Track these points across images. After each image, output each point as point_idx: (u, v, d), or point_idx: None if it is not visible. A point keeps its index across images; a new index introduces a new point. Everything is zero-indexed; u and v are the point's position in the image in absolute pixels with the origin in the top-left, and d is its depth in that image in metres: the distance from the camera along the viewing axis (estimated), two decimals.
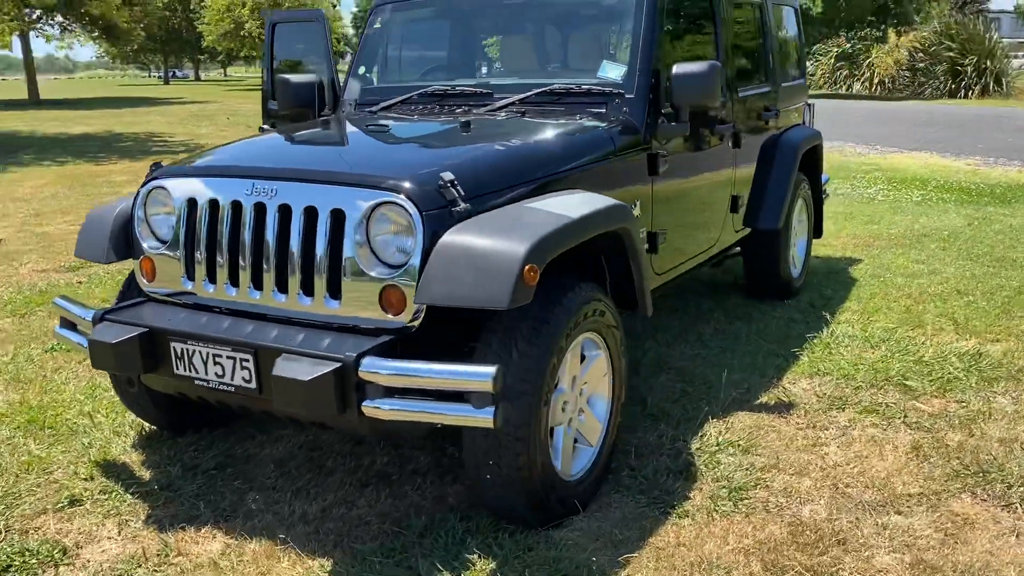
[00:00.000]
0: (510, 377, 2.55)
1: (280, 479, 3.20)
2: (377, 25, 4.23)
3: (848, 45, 35.79)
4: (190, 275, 2.97)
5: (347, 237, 2.64)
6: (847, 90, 35.61)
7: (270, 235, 2.77)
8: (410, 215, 2.56)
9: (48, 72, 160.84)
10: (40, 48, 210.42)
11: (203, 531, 2.87)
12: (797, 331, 4.67)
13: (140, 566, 2.69)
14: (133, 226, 3.13)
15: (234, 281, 2.86)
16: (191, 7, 53.66)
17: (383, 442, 3.40)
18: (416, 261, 2.54)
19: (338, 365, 2.46)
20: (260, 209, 2.79)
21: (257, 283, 2.82)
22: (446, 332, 2.78)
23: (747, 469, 3.19)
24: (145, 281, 3.12)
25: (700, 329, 4.79)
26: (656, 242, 3.62)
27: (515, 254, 2.43)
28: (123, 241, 3.17)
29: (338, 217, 2.66)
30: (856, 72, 35.71)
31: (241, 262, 2.83)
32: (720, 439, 3.42)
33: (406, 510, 2.96)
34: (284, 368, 2.50)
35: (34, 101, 33.66)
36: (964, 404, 3.74)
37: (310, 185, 2.73)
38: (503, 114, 3.56)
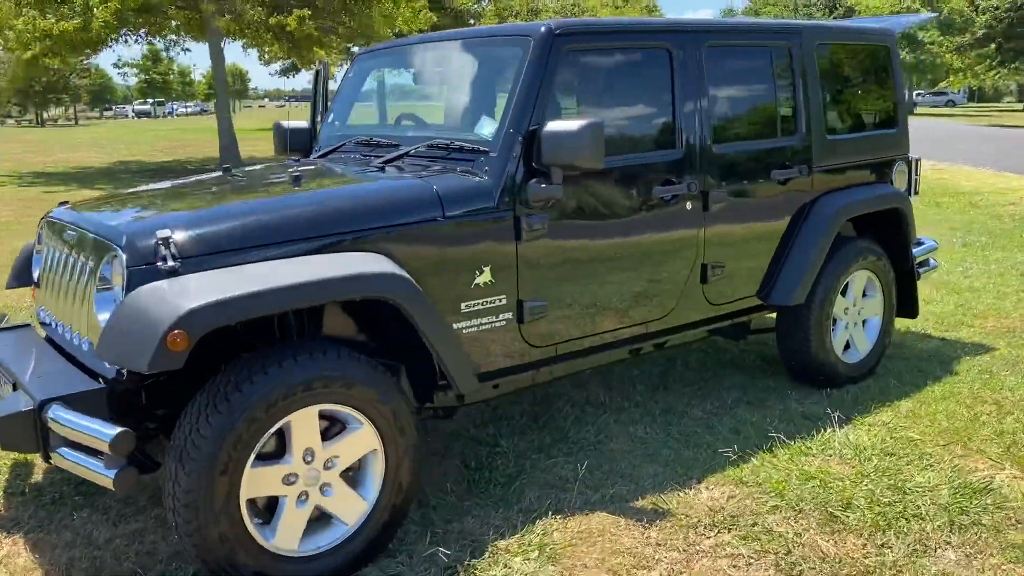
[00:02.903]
0: (189, 443, 2.54)
1: (117, 503, 3.41)
2: (351, 75, 4.34)
3: None
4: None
5: (99, 285, 2.80)
6: None
7: (64, 277, 3.02)
8: (122, 269, 2.65)
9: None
10: None
11: (11, 538, 3.17)
12: (792, 430, 3.97)
13: None
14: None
15: (56, 314, 3.16)
16: None
17: None
18: None
19: (29, 408, 2.62)
20: (68, 253, 3.05)
21: (61, 318, 3.08)
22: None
23: None
24: (34, 307, 3.52)
25: (689, 411, 4.25)
26: (523, 311, 3.32)
27: (163, 319, 2.42)
28: (27, 271, 3.61)
29: (97, 266, 2.83)
30: None
31: (55, 298, 3.11)
32: (539, 540, 3.05)
33: (171, 554, 3.02)
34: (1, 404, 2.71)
35: None
36: (882, 552, 2.96)
37: (90, 235, 2.93)
38: (357, 168, 3.54)
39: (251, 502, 2.71)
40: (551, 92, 3.33)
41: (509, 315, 3.31)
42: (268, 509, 2.78)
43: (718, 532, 3.11)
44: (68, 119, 64.59)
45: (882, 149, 4.68)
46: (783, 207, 4.20)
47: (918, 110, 52.10)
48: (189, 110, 79.12)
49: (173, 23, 19.76)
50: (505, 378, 3.44)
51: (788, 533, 3.08)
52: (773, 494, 3.37)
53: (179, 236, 2.69)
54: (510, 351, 3.36)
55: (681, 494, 3.39)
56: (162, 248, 2.64)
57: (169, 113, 74.45)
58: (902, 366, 4.85)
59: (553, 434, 3.96)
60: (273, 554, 2.72)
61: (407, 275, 2.89)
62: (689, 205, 3.77)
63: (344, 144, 3.98)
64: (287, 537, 2.76)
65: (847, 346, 4.60)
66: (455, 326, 3.17)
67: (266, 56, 24.57)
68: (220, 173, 3.63)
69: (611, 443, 3.87)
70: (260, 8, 16.22)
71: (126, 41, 19.14)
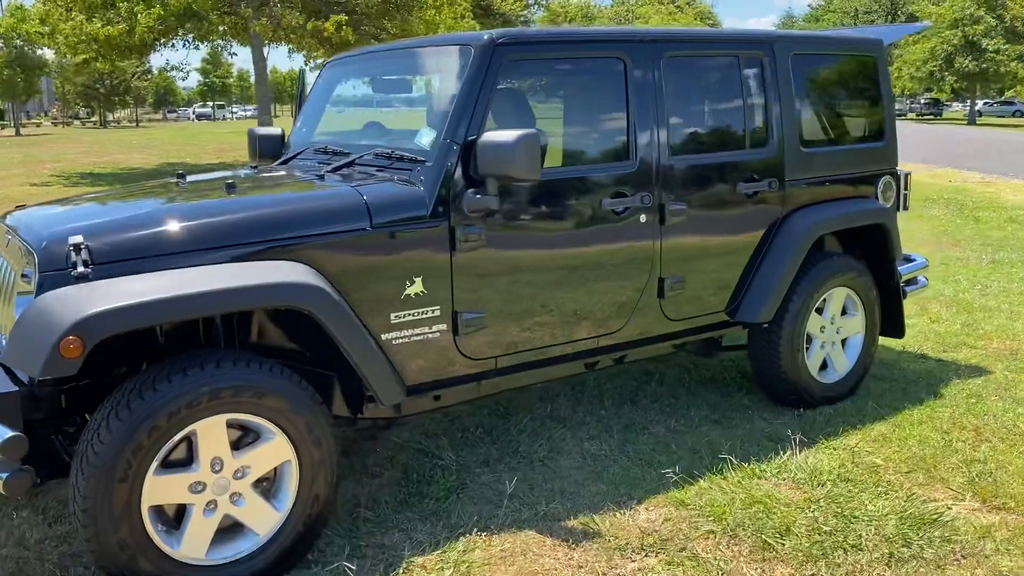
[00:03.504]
0: (89, 449, 2.55)
1: (57, 505, 3.44)
2: (320, 82, 4.34)
3: None
4: None
5: (20, 290, 2.83)
6: None
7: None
8: (36, 274, 2.68)
9: None
10: None
11: None
12: (751, 451, 3.85)
13: None
14: None
15: None
16: None
17: None
18: None
19: None
20: (4, 257, 3.10)
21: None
22: None
23: None
24: None
25: (651, 428, 4.15)
26: (458, 323, 3.28)
27: (58, 325, 2.44)
28: None
29: (20, 270, 2.86)
30: None
31: None
32: (457, 557, 3.00)
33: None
34: None
35: None
36: None
37: (18, 240, 2.96)
38: (298, 175, 3.55)
39: (158, 509, 2.72)
40: (491, 102, 3.28)
41: (443, 326, 3.27)
42: (179, 517, 2.78)
43: (644, 555, 3.02)
44: (131, 121, 66.39)
45: (866, 162, 4.52)
46: (752, 221, 4.07)
47: (981, 120, 50.66)
48: (249, 113, 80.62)
49: (220, 28, 20.14)
50: (445, 390, 3.40)
51: (715, 559, 2.98)
52: (712, 518, 3.26)
53: (93, 242, 2.70)
54: (446, 363, 3.32)
55: (617, 514, 3.30)
56: (73, 254, 2.66)
57: (226, 116, 76.04)
58: (885, 387, 4.68)
59: (503, 447, 3.90)
60: (177, 562, 2.72)
61: (324, 284, 2.87)
62: (643, 218, 3.68)
63: (304, 151, 3.99)
64: (193, 545, 2.75)
65: (825, 365, 4.45)
66: (384, 336, 3.14)
67: (312, 62, 24.87)
68: (172, 179, 3.65)
69: (561, 459, 3.80)
70: (298, 13, 16.45)
71: (173, 46, 19.57)
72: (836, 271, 4.29)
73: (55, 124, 61.38)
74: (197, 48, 21.72)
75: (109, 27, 15.82)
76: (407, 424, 4.17)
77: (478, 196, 3.20)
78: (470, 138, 3.22)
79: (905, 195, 4.76)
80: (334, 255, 3.01)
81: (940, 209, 12.33)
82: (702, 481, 3.56)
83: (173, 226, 2.85)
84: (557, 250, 3.49)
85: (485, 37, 3.32)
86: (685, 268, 3.87)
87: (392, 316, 3.15)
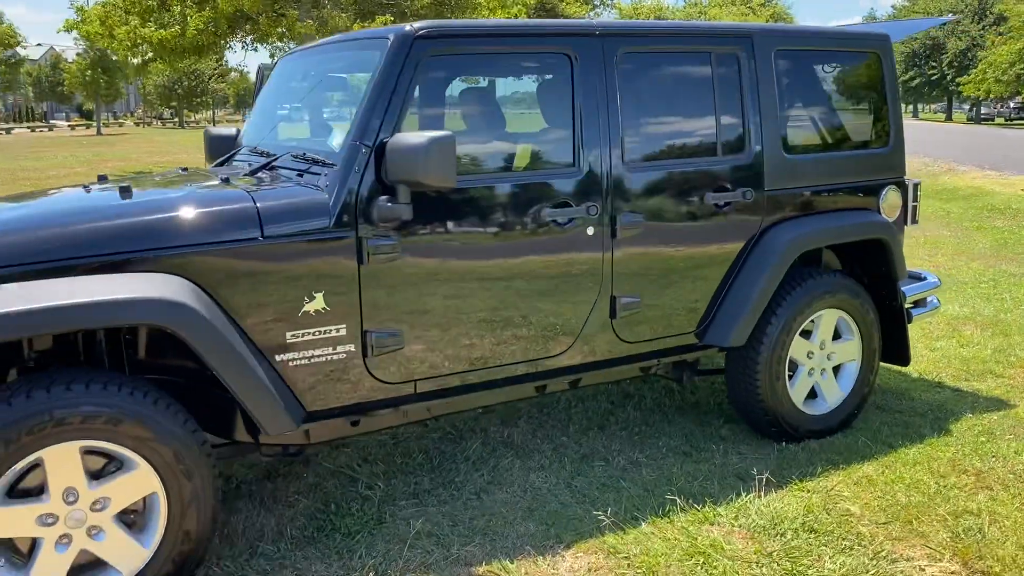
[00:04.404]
0: None
1: None
2: (272, 80, 4.11)
3: None
4: None
5: None
6: None
7: None
8: None
9: None
10: None
11: None
12: (711, 491, 3.46)
13: None
14: None
15: None
16: None
17: None
18: None
19: None
20: None
21: None
22: None
23: None
24: None
25: (611, 458, 3.79)
26: (367, 343, 2.98)
27: None
28: None
29: None
30: None
31: None
32: None
33: None
34: None
35: None
36: None
37: None
38: (206, 178, 3.31)
39: (5, 543, 2.50)
40: (407, 101, 2.98)
41: (350, 347, 2.97)
42: (33, 551, 2.56)
43: None
44: (208, 122, 68.19)
45: (866, 171, 4.06)
46: (724, 235, 3.67)
47: None
48: None
49: (279, 30, 20.29)
50: (360, 416, 3.12)
51: None
52: (642, 570, 2.89)
53: None
54: (355, 387, 3.03)
55: (538, 560, 2.96)
56: None
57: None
58: (886, 420, 4.20)
59: (439, 477, 3.59)
60: None
61: (191, 300, 2.59)
62: (591, 231, 3.32)
63: (239, 152, 3.76)
64: None
65: (814, 395, 4.02)
66: (279, 357, 2.87)
67: None
68: (92, 182, 3.46)
69: (498, 492, 3.47)
70: (345, 16, 16.40)
71: (231, 47, 19.79)
72: (825, 290, 3.86)
73: (137, 124, 63.40)
74: (256, 50, 21.96)
75: (162, 31, 16.02)
76: (349, 446, 3.90)
77: (390, 204, 2.90)
78: (384, 140, 2.92)
79: (913, 207, 4.28)
80: (220, 267, 2.75)
81: (1006, 220, 11.53)
82: (644, 525, 3.18)
83: (39, 233, 2.62)
84: (488, 263, 3.16)
85: (405, 29, 3.02)
86: (642, 286, 3.50)
87: (288, 335, 2.87)
